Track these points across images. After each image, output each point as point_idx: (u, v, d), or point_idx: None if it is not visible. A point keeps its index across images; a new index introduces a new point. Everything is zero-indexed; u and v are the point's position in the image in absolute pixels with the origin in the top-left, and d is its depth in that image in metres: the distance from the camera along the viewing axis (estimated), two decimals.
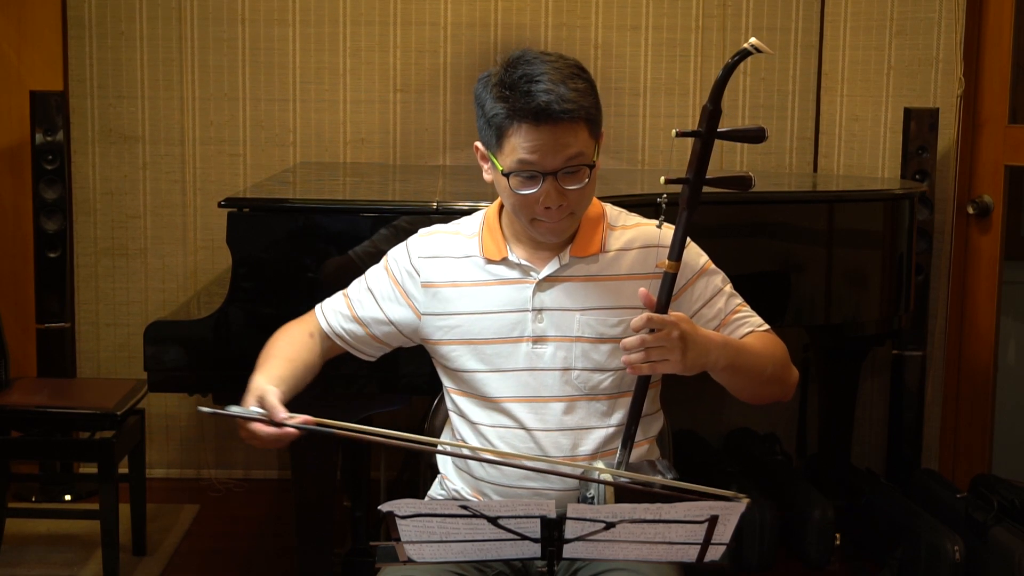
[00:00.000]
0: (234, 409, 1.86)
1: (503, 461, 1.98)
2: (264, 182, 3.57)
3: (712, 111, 1.81)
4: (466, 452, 2.03)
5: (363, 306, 2.11)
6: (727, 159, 4.10)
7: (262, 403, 1.87)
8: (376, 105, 4.06)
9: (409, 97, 4.06)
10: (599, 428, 1.99)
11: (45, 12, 3.96)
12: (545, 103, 1.85)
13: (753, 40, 1.76)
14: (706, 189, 1.85)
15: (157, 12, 4.00)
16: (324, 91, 4.04)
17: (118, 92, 4.02)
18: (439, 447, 2.08)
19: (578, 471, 1.88)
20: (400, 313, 2.08)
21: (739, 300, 2.06)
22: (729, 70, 1.79)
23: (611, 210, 2.08)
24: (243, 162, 4.06)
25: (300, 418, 1.85)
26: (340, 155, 4.06)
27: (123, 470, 3.37)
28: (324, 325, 2.13)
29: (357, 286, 2.14)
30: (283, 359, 2.05)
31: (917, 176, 3.73)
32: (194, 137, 4.05)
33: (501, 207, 2.06)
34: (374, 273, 2.13)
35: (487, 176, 2.01)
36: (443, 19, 4.03)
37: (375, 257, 2.20)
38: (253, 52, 4.03)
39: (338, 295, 2.16)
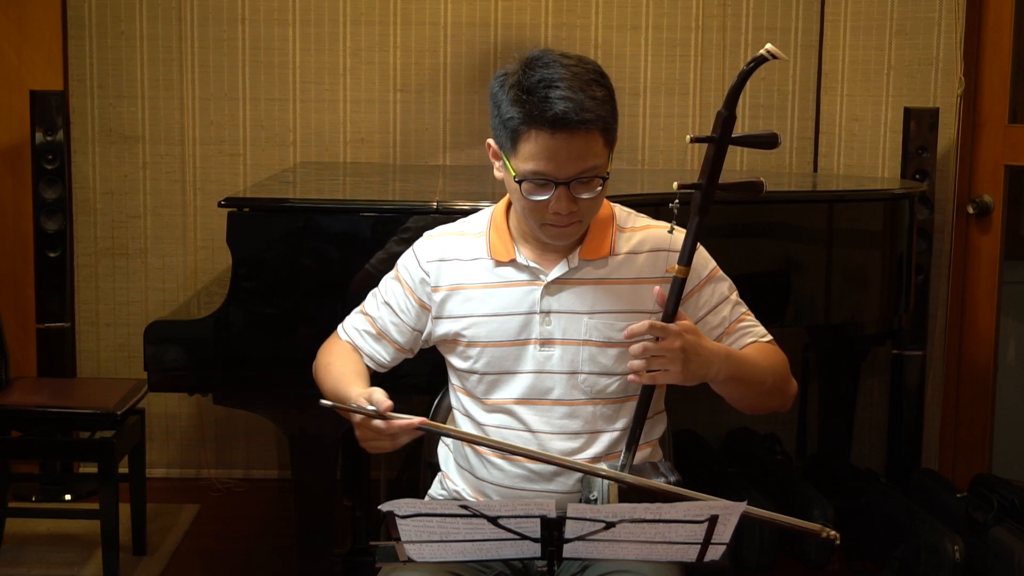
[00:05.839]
0: (352, 404, 1.84)
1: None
2: (264, 182, 3.56)
3: (727, 117, 1.81)
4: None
5: (384, 321, 2.10)
6: (727, 158, 4.09)
7: (370, 400, 1.84)
8: (376, 105, 4.05)
9: (409, 97, 4.06)
10: (604, 432, 1.98)
11: (45, 12, 3.96)
12: (563, 111, 1.81)
13: (769, 46, 1.75)
14: None
15: (157, 12, 4.00)
16: (324, 91, 4.04)
17: (118, 92, 4.02)
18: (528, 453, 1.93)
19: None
20: (418, 319, 2.08)
21: (744, 309, 2.05)
22: (745, 77, 1.78)
23: (620, 211, 2.06)
24: (243, 162, 4.06)
25: (413, 419, 1.82)
26: (340, 155, 4.06)
27: (123, 470, 3.36)
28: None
29: (373, 301, 2.13)
30: (356, 375, 2.03)
31: (917, 176, 3.72)
32: (194, 137, 4.04)
33: (508, 206, 2.05)
34: (387, 284, 2.12)
35: (498, 174, 1.99)
36: (443, 19, 4.03)
37: (390, 265, 2.18)
38: (253, 52, 4.03)
39: (356, 314, 2.15)
